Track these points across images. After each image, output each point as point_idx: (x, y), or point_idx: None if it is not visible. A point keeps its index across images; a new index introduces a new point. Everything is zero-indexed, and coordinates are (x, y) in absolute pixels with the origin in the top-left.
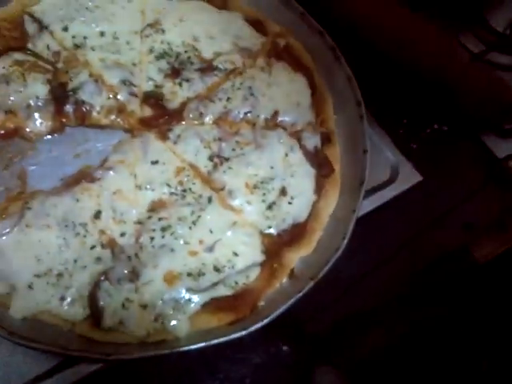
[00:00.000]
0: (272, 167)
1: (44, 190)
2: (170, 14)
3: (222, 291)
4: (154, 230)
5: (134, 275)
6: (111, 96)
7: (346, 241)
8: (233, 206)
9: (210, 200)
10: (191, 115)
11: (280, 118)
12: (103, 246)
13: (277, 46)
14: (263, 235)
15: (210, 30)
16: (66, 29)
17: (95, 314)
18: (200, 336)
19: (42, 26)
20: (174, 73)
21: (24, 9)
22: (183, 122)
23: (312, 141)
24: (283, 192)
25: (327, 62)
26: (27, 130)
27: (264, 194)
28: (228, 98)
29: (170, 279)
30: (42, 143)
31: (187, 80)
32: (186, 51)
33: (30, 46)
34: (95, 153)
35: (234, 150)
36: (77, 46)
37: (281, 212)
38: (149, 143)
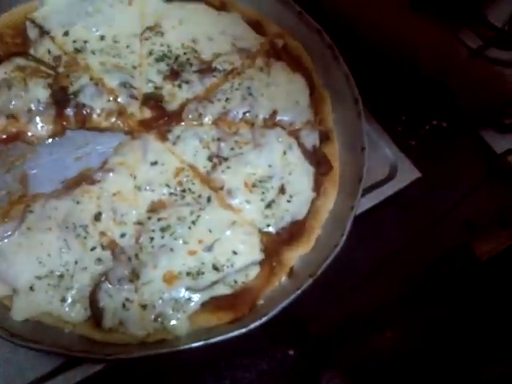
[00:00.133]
0: (270, 166)
1: (45, 193)
2: (169, 16)
3: (222, 290)
4: (153, 231)
5: (134, 275)
6: (111, 99)
7: (344, 238)
8: (232, 205)
9: (209, 200)
10: (190, 116)
11: (278, 118)
12: (103, 248)
13: (275, 47)
14: (262, 234)
15: (209, 31)
16: (66, 33)
17: (96, 314)
18: (200, 335)
19: (44, 32)
20: (174, 75)
21: (26, 15)
22: (182, 123)
23: (310, 139)
24: (282, 190)
25: (325, 60)
26: (29, 133)
27: (263, 193)
28: (227, 99)
29: (170, 279)
30: (43, 147)
31: (186, 82)
32: (185, 53)
33: (31, 51)
34: (95, 155)
35: (232, 149)
36: (77, 51)
37: (280, 210)
38: (148, 144)
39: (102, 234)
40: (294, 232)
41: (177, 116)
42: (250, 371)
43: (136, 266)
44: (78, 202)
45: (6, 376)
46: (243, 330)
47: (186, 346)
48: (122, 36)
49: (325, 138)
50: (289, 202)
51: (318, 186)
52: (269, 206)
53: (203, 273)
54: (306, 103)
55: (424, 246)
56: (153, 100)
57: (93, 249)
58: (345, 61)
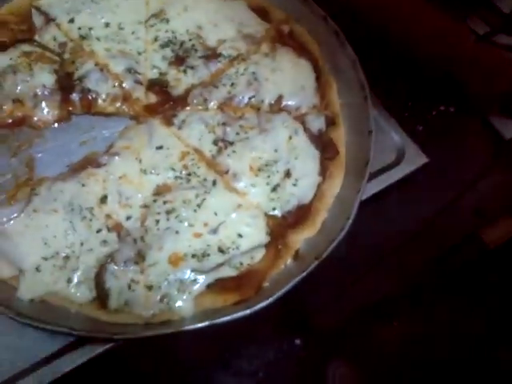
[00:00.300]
0: (276, 150)
1: (51, 176)
2: (174, 3)
3: (227, 272)
4: (159, 213)
5: (140, 257)
6: (116, 84)
7: (350, 221)
8: (237, 188)
9: (214, 183)
10: (195, 101)
11: (284, 102)
12: (109, 230)
13: (281, 33)
14: (268, 217)
15: (214, 18)
16: (72, 21)
17: (101, 295)
18: (205, 316)
19: (49, 19)
20: (179, 60)
21: (31, 2)
22: (188, 108)
23: (316, 124)
24: (288, 174)
25: (331, 46)
26: (35, 118)
27: (268, 177)
28: (232, 84)
29: (175, 261)
30: (49, 131)
31: (192, 67)
32: (190, 39)
33: (37, 37)
34: (101, 140)
35: (238, 134)
36: (83, 37)
37: (285, 194)
38: (153, 129)
39: (108, 216)
40: (299, 215)
41: (182, 101)
42: (256, 361)
43: (142, 248)
44: (83, 185)
45: (13, 356)
46: (248, 311)
47: (192, 326)
48: (127, 23)
49: (331, 122)
50: (294, 185)
51: (323, 170)
52: (274, 189)
53: (209, 255)
54: (312, 88)
55: (432, 234)
56: (158, 85)
57: (98, 231)
58: (351, 46)
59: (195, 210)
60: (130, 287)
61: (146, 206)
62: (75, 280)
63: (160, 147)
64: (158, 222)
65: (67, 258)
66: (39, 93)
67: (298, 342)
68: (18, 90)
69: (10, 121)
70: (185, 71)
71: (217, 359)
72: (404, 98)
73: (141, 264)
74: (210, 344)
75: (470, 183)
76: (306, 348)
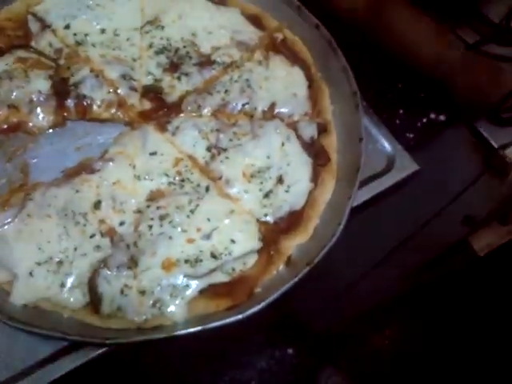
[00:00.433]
0: (269, 157)
1: (45, 181)
2: (169, 11)
3: (220, 277)
4: (152, 219)
5: (133, 262)
6: (111, 90)
7: (341, 227)
8: (230, 194)
9: (207, 189)
10: (189, 108)
11: (277, 110)
12: (103, 235)
13: (274, 40)
14: (260, 223)
15: (209, 25)
16: (67, 27)
17: (94, 300)
18: (198, 321)
19: (45, 25)
20: (173, 67)
21: (28, 8)
22: (182, 115)
23: (308, 131)
24: (280, 180)
25: (324, 53)
26: (30, 124)
27: (261, 183)
28: (226, 91)
29: (168, 266)
30: (44, 137)
31: (186, 74)
32: (184, 46)
33: (33, 44)
34: (96, 146)
35: (231, 140)
36: (78, 43)
37: (277, 200)
38: (147, 135)
39: (102, 221)
40: (291, 221)
41: (176, 107)
42: (249, 369)
43: (135, 253)
44: (77, 191)
45: (6, 360)
46: (240, 316)
47: (184, 331)
48: (123, 29)
49: (323, 129)
50: (287, 192)
51: (315, 177)
52: (267, 195)
53: (201, 260)
54: (304, 96)
55: (422, 242)
56: (152, 92)
57: (92, 236)
58: (343, 54)
59: (188, 216)
60: (122, 292)
61: (139, 212)
62: (68, 285)
63: (154, 153)
64: (151, 227)
65: (61, 262)
66: (34, 99)
67: (290, 350)
68: (13, 96)
69: (5, 126)
70: (179, 78)
71: (209, 367)
72: (395, 105)
73: (134, 269)
74: (201, 348)
75: (460, 191)
76: (298, 356)
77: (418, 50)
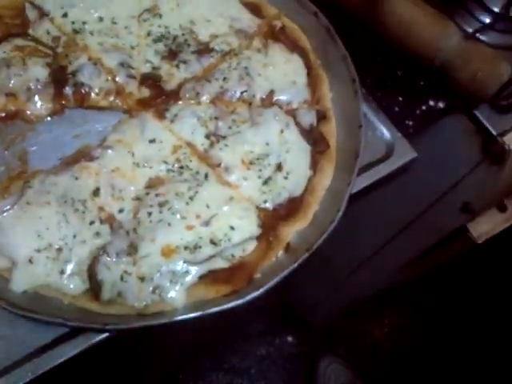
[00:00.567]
0: (268, 144)
1: (44, 169)
2: None
3: (219, 263)
4: (151, 206)
5: (132, 249)
6: (110, 78)
7: (340, 213)
8: (229, 181)
9: (206, 176)
10: (188, 95)
11: (276, 97)
12: (102, 222)
13: (273, 28)
14: (259, 209)
15: (207, 13)
16: (65, 15)
17: (94, 287)
18: (198, 307)
19: (43, 13)
20: (171, 55)
21: None
22: (180, 102)
23: (307, 118)
24: (279, 167)
25: (323, 41)
26: (28, 112)
27: (260, 170)
28: (224, 78)
29: (168, 252)
30: (43, 125)
31: (184, 62)
32: (183, 34)
33: (30, 32)
34: (94, 133)
35: (230, 127)
36: (76, 31)
37: (277, 187)
38: (146, 122)
39: (101, 208)
40: (290, 208)
41: (174, 95)
42: (249, 357)
43: (134, 240)
44: (76, 178)
45: (6, 347)
46: (240, 301)
47: (184, 316)
48: (121, 17)
49: (322, 116)
50: (286, 178)
51: (314, 164)
52: (266, 182)
53: (201, 247)
54: (303, 83)
55: (421, 228)
56: (151, 79)
57: (91, 223)
58: (342, 42)
59: (187, 203)
60: (122, 278)
61: (138, 199)
62: (68, 272)
63: (153, 140)
64: (150, 214)
65: (60, 249)
66: (32, 86)
67: (290, 338)
68: (11, 84)
69: (3, 114)
70: (177, 66)
71: (209, 355)
72: (394, 92)
73: (133, 256)
74: (202, 336)
75: (459, 178)
76: (298, 344)
77: (416, 37)
